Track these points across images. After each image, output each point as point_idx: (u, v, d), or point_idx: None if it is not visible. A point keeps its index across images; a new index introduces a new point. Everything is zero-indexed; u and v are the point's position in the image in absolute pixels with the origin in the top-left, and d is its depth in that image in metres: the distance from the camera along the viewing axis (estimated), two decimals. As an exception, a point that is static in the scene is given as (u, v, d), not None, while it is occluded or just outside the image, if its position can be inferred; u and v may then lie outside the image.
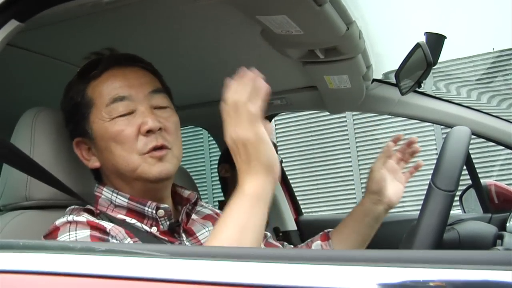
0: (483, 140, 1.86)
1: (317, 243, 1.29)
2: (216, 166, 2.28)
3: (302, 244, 1.32)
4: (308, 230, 2.27)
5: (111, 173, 1.07)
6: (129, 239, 0.97)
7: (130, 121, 1.02)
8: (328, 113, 2.15)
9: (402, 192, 1.30)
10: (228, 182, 2.10)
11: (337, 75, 1.58)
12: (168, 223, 1.05)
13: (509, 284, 0.57)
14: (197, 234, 1.12)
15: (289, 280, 0.64)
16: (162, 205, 1.04)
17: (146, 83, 1.07)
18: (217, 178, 2.24)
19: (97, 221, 0.98)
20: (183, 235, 1.08)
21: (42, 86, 1.44)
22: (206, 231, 1.14)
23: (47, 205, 1.11)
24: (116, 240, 0.95)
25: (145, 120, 1.02)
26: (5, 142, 1.01)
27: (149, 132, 1.01)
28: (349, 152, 6.42)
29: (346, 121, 6.38)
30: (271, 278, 0.65)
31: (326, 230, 1.32)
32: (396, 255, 0.66)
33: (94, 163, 1.07)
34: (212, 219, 1.19)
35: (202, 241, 1.11)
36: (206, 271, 0.67)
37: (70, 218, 0.97)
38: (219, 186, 2.21)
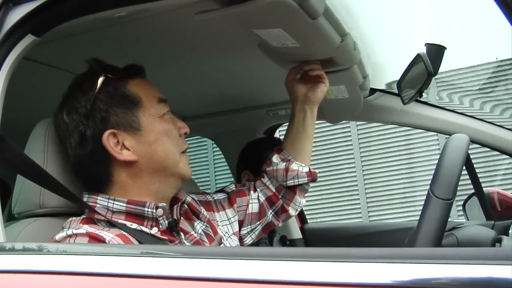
0: (486, 148, 1.89)
1: (275, 156, 1.41)
2: (220, 175, 2.23)
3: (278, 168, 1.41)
4: (313, 238, 2.29)
5: (148, 167, 1.09)
6: None
7: (172, 121, 1.15)
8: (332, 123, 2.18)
9: (325, 86, 1.42)
10: None
11: (335, 85, 1.61)
12: (167, 222, 1.10)
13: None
14: (191, 232, 1.17)
15: (305, 276, 0.68)
16: (161, 204, 1.08)
17: None
18: (222, 186, 2.19)
19: (97, 231, 1.00)
20: (181, 233, 1.13)
21: (54, 97, 1.48)
22: (197, 224, 1.21)
23: (60, 213, 1.14)
24: None
25: (183, 124, 1.17)
26: (18, 152, 1.02)
27: (185, 134, 1.17)
28: (353, 161, 6.44)
29: (350, 130, 6.41)
30: (294, 275, 0.69)
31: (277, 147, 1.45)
32: (407, 253, 0.69)
33: (129, 156, 1.08)
34: (191, 217, 1.23)
35: (197, 238, 1.17)
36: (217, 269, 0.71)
37: (69, 232, 0.99)
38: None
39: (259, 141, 1.98)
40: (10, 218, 1.20)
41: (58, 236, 1.00)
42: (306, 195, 1.43)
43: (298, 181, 1.37)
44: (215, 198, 1.36)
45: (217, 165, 6.62)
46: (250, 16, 1.09)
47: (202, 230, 1.23)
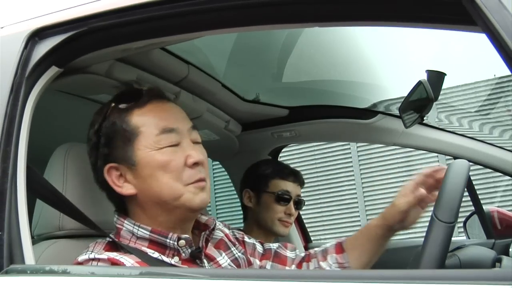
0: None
1: (332, 256, 1.30)
2: (219, 194, 2.27)
3: (318, 250, 1.34)
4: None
5: (148, 201, 1.08)
6: None
7: (177, 152, 1.08)
8: (332, 143, 2.23)
9: (421, 214, 1.23)
10: (249, 211, 2.03)
11: (199, 130, 1.85)
12: (189, 251, 1.09)
13: None
14: (217, 259, 1.17)
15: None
16: (183, 236, 1.08)
17: (186, 119, 1.15)
18: (222, 204, 2.21)
19: (118, 257, 1.01)
20: (205, 260, 1.13)
21: (73, 123, 1.53)
22: (223, 257, 1.19)
23: (78, 235, 1.19)
24: None
25: (192, 153, 1.08)
26: (37, 177, 1.07)
27: (195, 164, 1.08)
28: (354, 180, 6.47)
29: (349, 148, 6.45)
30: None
31: (339, 241, 1.33)
32: (413, 274, 0.73)
33: (129, 190, 1.08)
34: (223, 246, 1.22)
35: (222, 265, 1.16)
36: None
37: (92, 255, 1.02)
38: (223, 212, 2.17)
39: (260, 163, 2.08)
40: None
41: (80, 258, 1.02)
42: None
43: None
44: (253, 242, 1.34)
45: (217, 183, 6.62)
46: None
47: (233, 258, 1.22)
